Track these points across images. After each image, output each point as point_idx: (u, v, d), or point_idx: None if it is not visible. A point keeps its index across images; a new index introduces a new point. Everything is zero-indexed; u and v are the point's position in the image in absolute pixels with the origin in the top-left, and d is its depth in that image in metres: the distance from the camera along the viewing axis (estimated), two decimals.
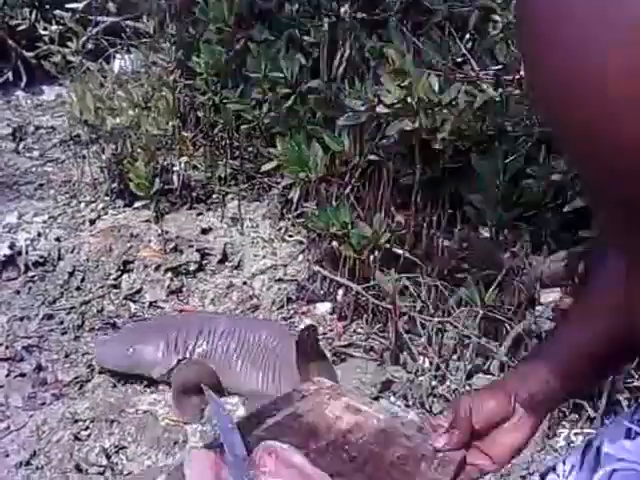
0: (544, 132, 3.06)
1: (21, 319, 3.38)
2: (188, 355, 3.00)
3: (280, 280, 3.65)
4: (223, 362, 3.00)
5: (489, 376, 2.96)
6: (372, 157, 3.48)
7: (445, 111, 2.84)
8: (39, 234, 3.92)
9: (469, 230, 3.30)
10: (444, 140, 2.94)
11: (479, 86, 2.83)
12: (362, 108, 3.20)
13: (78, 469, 2.57)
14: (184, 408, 2.80)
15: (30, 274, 3.66)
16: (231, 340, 3.03)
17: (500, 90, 2.71)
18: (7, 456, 2.66)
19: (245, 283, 3.65)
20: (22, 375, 3.06)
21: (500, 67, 2.69)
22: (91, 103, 4.13)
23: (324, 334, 3.33)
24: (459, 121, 2.86)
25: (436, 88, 2.82)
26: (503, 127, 3.12)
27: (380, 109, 2.93)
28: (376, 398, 2.96)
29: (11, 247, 3.74)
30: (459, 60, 2.90)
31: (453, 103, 2.83)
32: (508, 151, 3.17)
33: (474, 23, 2.95)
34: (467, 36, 2.79)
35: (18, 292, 3.56)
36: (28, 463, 2.62)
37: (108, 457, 2.60)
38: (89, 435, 2.73)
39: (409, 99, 2.81)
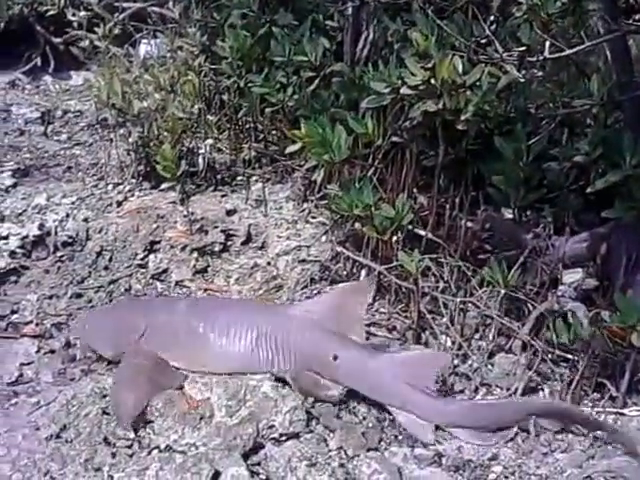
0: (567, 114, 3.05)
1: (50, 297, 3.40)
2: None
3: (304, 261, 3.64)
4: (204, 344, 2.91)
5: (511, 355, 2.95)
6: (395, 139, 3.47)
7: (469, 92, 2.82)
8: (67, 215, 3.93)
9: (492, 211, 3.28)
10: (468, 121, 2.91)
11: (503, 68, 2.80)
12: (386, 90, 3.19)
13: (106, 442, 2.58)
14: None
15: (59, 254, 3.68)
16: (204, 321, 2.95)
17: (524, 72, 2.68)
18: (37, 429, 2.67)
19: (269, 263, 3.64)
20: (52, 352, 3.08)
21: (524, 49, 2.65)
22: (118, 87, 4.14)
23: None
24: (482, 102, 2.83)
25: (460, 70, 2.80)
26: (526, 109, 3.10)
27: (404, 91, 2.91)
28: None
29: (40, 228, 3.76)
30: (483, 42, 2.87)
31: (477, 84, 2.81)
32: (531, 133, 3.15)
33: (498, 5, 2.92)
34: (491, 18, 2.76)
35: (47, 271, 3.58)
36: (58, 436, 2.63)
37: (135, 431, 2.61)
38: None
39: (433, 81, 2.79)
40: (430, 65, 2.80)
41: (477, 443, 2.62)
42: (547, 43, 2.47)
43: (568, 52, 2.48)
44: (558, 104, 2.99)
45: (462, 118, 2.87)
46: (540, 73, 2.82)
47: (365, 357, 2.81)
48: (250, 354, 2.87)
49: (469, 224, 3.25)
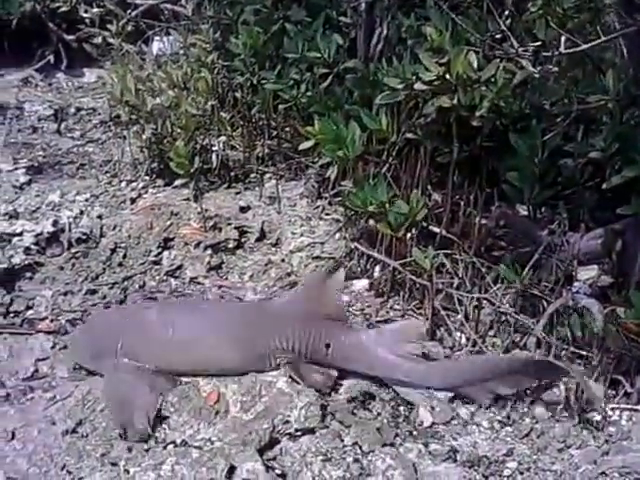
0: (582, 110, 3.05)
1: (65, 294, 3.42)
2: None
3: (318, 257, 3.66)
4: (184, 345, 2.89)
5: (526, 352, 2.96)
6: (409, 136, 3.48)
7: (484, 88, 2.83)
8: (81, 212, 3.97)
9: (506, 208, 3.29)
10: (482, 117, 2.92)
11: (518, 63, 2.81)
12: (400, 86, 3.20)
13: (122, 437, 2.61)
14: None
15: (73, 250, 3.70)
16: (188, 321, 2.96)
17: (539, 67, 2.69)
18: (53, 424, 2.69)
19: (283, 260, 3.67)
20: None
21: (539, 44, 2.66)
22: (132, 84, 4.16)
23: (361, 310, 3.34)
24: (497, 98, 2.84)
25: (475, 65, 2.81)
26: (541, 105, 3.11)
27: (419, 86, 2.92)
28: None
29: (54, 224, 3.79)
30: (498, 37, 2.88)
31: (492, 80, 2.82)
32: (545, 129, 3.16)
33: (512, 0, 2.93)
34: (506, 12, 2.77)
35: (62, 268, 3.61)
36: (74, 431, 2.66)
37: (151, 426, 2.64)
38: None
39: (448, 76, 2.80)
40: (445, 60, 2.81)
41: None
42: (563, 38, 2.47)
43: (584, 47, 2.49)
44: (573, 100, 2.99)
45: (477, 114, 2.88)
46: (555, 69, 2.81)
47: (356, 337, 2.89)
48: (240, 354, 2.87)
49: (483, 221, 3.25)
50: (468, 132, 3.34)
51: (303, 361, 2.86)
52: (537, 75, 2.72)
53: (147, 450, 2.54)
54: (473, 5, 3.13)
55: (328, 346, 2.87)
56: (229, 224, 3.84)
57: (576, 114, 3.06)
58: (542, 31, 2.70)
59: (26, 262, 3.57)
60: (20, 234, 3.71)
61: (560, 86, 3.03)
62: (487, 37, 2.80)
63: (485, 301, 3.10)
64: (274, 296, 3.41)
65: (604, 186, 2.93)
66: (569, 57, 2.77)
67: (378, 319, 3.27)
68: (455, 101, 2.87)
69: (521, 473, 2.51)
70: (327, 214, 3.96)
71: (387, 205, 3.18)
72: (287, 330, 2.88)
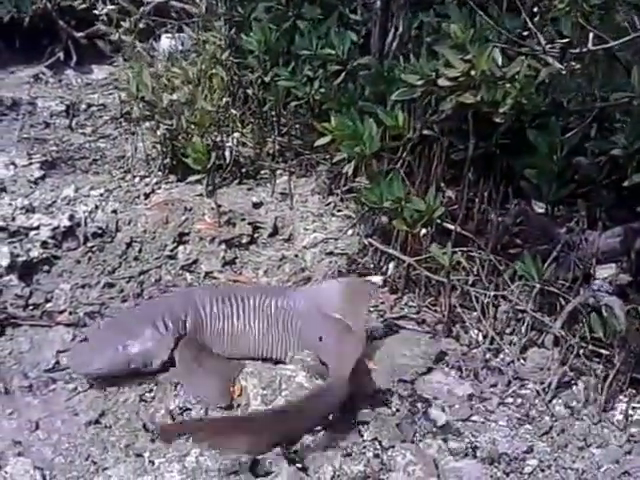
0: (603, 108, 3.03)
1: (83, 287, 3.39)
2: (181, 333, 2.90)
3: (331, 253, 3.63)
4: (214, 330, 2.95)
5: (543, 350, 2.93)
6: (425, 132, 3.45)
7: (508, 85, 2.80)
8: (96, 207, 3.93)
9: (524, 205, 3.27)
10: (504, 114, 2.89)
11: (542, 60, 2.78)
12: (419, 83, 3.17)
13: (146, 429, 2.58)
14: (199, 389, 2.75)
15: (89, 245, 3.67)
16: (217, 308, 2.97)
17: (565, 64, 2.65)
18: (76, 415, 2.67)
19: (297, 256, 3.64)
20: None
21: (566, 41, 2.62)
22: (148, 80, 4.12)
23: (375, 306, 3.31)
24: (520, 95, 2.81)
25: (499, 62, 2.79)
26: (561, 102, 3.08)
27: (442, 82, 2.89)
28: (430, 369, 2.94)
29: (70, 219, 3.75)
30: (522, 33, 2.85)
31: (516, 77, 2.79)
32: (565, 127, 3.13)
33: None
34: (535, 9, 2.73)
35: (79, 261, 3.57)
36: (97, 422, 2.63)
37: (173, 418, 2.61)
38: (154, 397, 2.74)
39: (472, 72, 2.77)
40: (469, 57, 2.78)
41: None
42: (590, 35, 2.44)
43: (612, 44, 2.46)
44: (596, 97, 2.97)
45: (500, 111, 2.85)
46: (578, 66, 2.78)
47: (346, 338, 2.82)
48: (260, 338, 2.94)
49: (500, 218, 3.22)
50: (484, 129, 3.31)
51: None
52: (564, 72, 2.68)
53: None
54: (493, 2, 3.09)
55: (321, 339, 2.85)
56: (243, 220, 3.81)
57: (596, 112, 3.03)
58: (568, 28, 2.66)
59: (43, 256, 3.53)
60: (37, 228, 3.67)
61: (582, 83, 3.00)
62: (513, 34, 2.76)
63: (502, 299, 3.07)
64: None
65: (625, 184, 2.90)
66: (593, 54, 2.73)
67: (392, 315, 3.24)
68: (479, 98, 2.83)
69: (542, 470, 2.49)
70: (339, 210, 3.94)
71: (403, 202, 3.15)
72: (298, 320, 2.93)
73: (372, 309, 3.28)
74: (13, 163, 4.38)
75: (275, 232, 3.82)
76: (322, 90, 3.98)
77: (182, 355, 2.84)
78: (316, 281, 3.41)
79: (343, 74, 3.92)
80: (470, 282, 3.14)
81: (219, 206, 3.81)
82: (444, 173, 3.44)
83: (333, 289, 3.04)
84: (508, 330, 3.04)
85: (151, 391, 2.77)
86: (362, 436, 2.58)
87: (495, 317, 3.05)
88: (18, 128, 4.96)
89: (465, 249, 3.19)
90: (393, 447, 2.53)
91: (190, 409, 2.64)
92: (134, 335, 2.85)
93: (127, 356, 2.81)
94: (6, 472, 2.37)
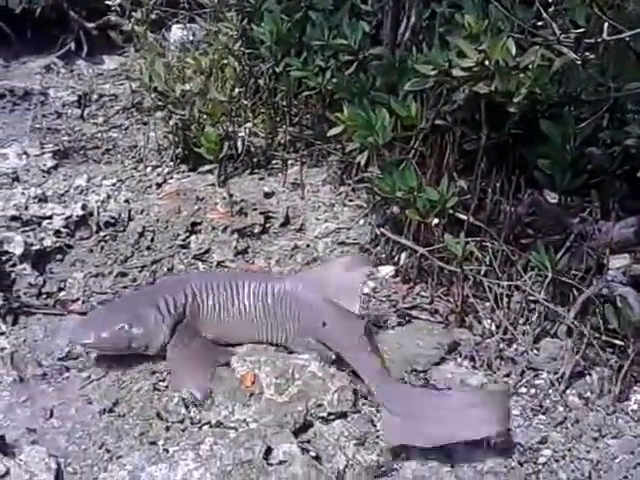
0: (616, 98, 2.99)
1: (96, 276, 3.37)
2: (180, 318, 2.89)
3: (343, 243, 3.61)
4: (214, 316, 2.93)
5: (556, 340, 2.90)
6: (438, 122, 3.41)
7: (521, 75, 2.76)
8: (109, 196, 3.91)
9: (537, 195, 3.23)
10: (518, 104, 2.86)
11: (555, 50, 2.74)
12: (432, 73, 3.13)
13: (159, 417, 2.56)
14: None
15: (102, 234, 3.65)
16: (218, 294, 2.95)
17: (579, 54, 2.62)
18: (90, 403, 2.66)
19: (309, 245, 3.61)
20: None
21: (581, 31, 2.58)
22: (161, 70, 4.10)
23: (387, 296, 3.28)
24: (535, 85, 2.77)
25: (513, 52, 2.75)
26: (575, 92, 3.05)
27: (457, 72, 2.86)
28: (443, 359, 2.91)
29: (83, 208, 3.73)
30: (536, 24, 2.81)
31: (530, 67, 2.75)
32: (578, 117, 3.10)
33: None
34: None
35: (91, 251, 3.55)
36: (111, 410, 2.62)
37: (186, 407, 2.58)
38: (167, 386, 2.72)
39: (487, 62, 2.74)
40: (483, 47, 2.75)
41: None
42: (605, 25, 2.40)
43: (627, 34, 2.41)
44: (609, 87, 2.93)
45: (514, 101, 2.81)
46: (592, 56, 2.74)
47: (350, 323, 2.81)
48: (257, 324, 2.92)
49: (513, 208, 3.19)
50: (497, 119, 3.28)
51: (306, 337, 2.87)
52: (578, 62, 2.64)
53: (184, 430, 2.51)
54: None
55: (324, 325, 2.82)
56: (254, 209, 3.79)
57: (609, 103, 2.99)
58: (582, 18, 2.62)
59: (56, 245, 3.51)
60: (50, 217, 3.65)
61: (595, 73, 2.97)
62: (527, 24, 2.72)
63: (515, 289, 3.04)
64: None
65: (639, 174, 2.87)
66: (606, 44, 2.69)
67: (405, 305, 3.21)
68: (493, 88, 2.80)
69: (556, 461, 2.47)
70: (350, 200, 3.92)
71: (416, 192, 3.12)
72: (294, 304, 2.91)
73: (384, 299, 3.26)
74: (26, 153, 4.37)
75: (287, 222, 3.79)
76: (334, 80, 3.95)
77: (173, 344, 2.84)
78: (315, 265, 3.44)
79: (355, 64, 3.88)
80: (483, 272, 3.10)
81: (231, 196, 3.79)
82: (456, 163, 3.40)
83: (328, 271, 3.05)
84: (521, 320, 3.00)
85: (164, 380, 2.75)
86: (375, 426, 2.56)
87: (508, 307, 3.01)
88: (30, 118, 4.94)
89: (478, 239, 3.15)
90: None
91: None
92: (136, 316, 2.85)
93: (128, 335, 2.81)
94: (21, 460, 2.35)
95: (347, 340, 2.76)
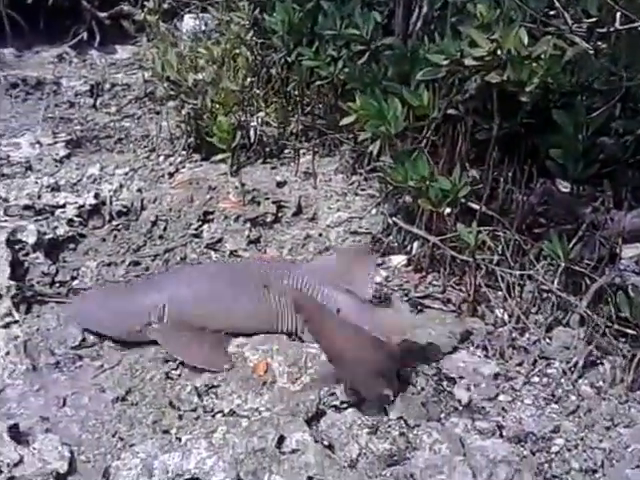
0: (628, 87, 2.96)
1: (109, 265, 3.36)
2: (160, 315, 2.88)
3: (355, 232, 3.59)
4: (222, 306, 2.92)
5: (569, 329, 2.88)
6: (450, 111, 3.39)
7: (534, 64, 2.74)
8: (121, 185, 3.91)
9: (549, 184, 3.21)
10: (530, 93, 2.83)
11: (568, 39, 2.71)
12: (444, 62, 3.11)
13: (172, 406, 2.56)
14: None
15: (115, 223, 3.65)
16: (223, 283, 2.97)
17: (591, 44, 2.59)
18: (103, 392, 2.66)
19: (321, 235, 3.60)
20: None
21: (593, 20, 2.56)
22: (173, 60, 4.09)
23: (400, 285, 3.27)
24: (547, 75, 2.75)
25: (525, 41, 2.73)
26: (587, 82, 3.02)
27: (468, 62, 2.84)
28: (455, 348, 2.90)
29: (96, 197, 3.73)
30: (548, 13, 2.79)
31: (542, 56, 2.73)
32: (590, 106, 3.07)
33: None
34: None
35: (104, 240, 3.55)
36: (124, 399, 2.62)
37: (199, 396, 2.58)
38: (180, 375, 2.71)
39: (499, 52, 2.71)
40: (495, 37, 2.73)
41: None
42: (617, 14, 2.38)
43: (639, 24, 2.39)
44: (621, 77, 2.91)
45: (526, 90, 2.79)
46: (604, 46, 2.72)
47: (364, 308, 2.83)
48: (267, 312, 2.89)
49: (525, 197, 3.17)
50: (509, 108, 3.25)
51: None
52: (591, 52, 2.62)
53: (197, 418, 2.50)
54: None
55: (338, 311, 2.81)
56: (267, 198, 3.78)
57: (621, 92, 2.97)
58: (594, 7, 2.60)
59: (69, 234, 3.51)
60: (63, 206, 3.66)
61: (607, 63, 2.94)
62: (539, 14, 2.70)
63: (527, 278, 3.02)
64: None
65: None
66: (619, 34, 2.66)
67: (417, 294, 3.20)
68: (505, 77, 2.78)
69: (569, 450, 2.45)
70: (362, 190, 3.90)
71: (427, 181, 3.11)
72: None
73: (396, 288, 3.25)
74: (38, 142, 4.38)
75: (299, 211, 3.78)
76: (346, 70, 3.94)
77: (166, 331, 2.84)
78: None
79: (367, 54, 3.86)
80: (495, 261, 3.09)
81: (243, 185, 3.78)
82: (468, 153, 3.38)
83: (336, 260, 3.09)
84: (534, 309, 2.98)
85: (177, 368, 2.74)
86: (387, 415, 2.55)
87: (521, 296, 3.00)
88: (43, 107, 4.95)
89: (490, 228, 3.13)
90: (419, 426, 2.50)
91: (216, 386, 2.61)
92: (135, 305, 2.89)
93: (125, 324, 2.85)
94: (34, 448, 2.35)
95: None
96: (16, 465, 2.27)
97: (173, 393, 2.61)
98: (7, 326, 2.94)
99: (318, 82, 4.18)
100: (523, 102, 3.06)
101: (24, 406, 2.59)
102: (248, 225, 3.61)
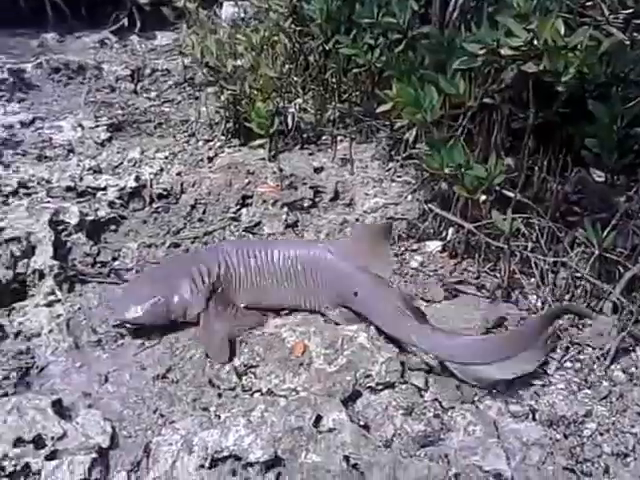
0: None
1: (149, 246, 3.41)
2: (215, 286, 2.93)
3: (391, 218, 3.61)
4: (247, 282, 2.96)
5: (602, 316, 2.88)
6: (486, 100, 3.38)
7: (570, 55, 2.72)
8: (161, 169, 3.96)
9: (583, 173, 3.20)
10: (566, 83, 2.82)
11: (604, 30, 2.70)
12: (481, 52, 3.10)
13: (211, 384, 2.61)
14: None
15: (155, 205, 3.69)
16: (251, 260, 2.98)
17: (628, 35, 2.58)
18: (144, 369, 2.71)
19: (357, 220, 3.62)
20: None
21: (630, 11, 2.54)
22: (213, 46, 4.12)
23: (435, 271, 3.29)
24: (583, 65, 2.73)
25: (562, 31, 2.71)
26: (623, 73, 3.00)
27: (505, 51, 2.83)
28: (486, 332, 2.91)
29: (137, 180, 3.77)
30: (585, 4, 2.77)
31: (578, 47, 2.71)
32: (626, 97, 3.05)
33: None
34: None
35: (145, 222, 3.60)
36: (164, 377, 2.67)
37: (238, 375, 2.62)
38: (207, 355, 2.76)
39: (535, 42, 2.71)
40: (532, 27, 2.72)
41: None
42: None
43: None
44: None
45: (563, 80, 2.78)
46: None
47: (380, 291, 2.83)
48: (293, 290, 2.94)
49: (560, 186, 3.16)
50: (544, 98, 3.24)
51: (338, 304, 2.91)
52: (627, 43, 2.60)
53: (235, 397, 2.54)
54: None
55: (356, 294, 2.84)
56: (304, 184, 3.81)
57: None
58: None
59: (111, 215, 3.56)
60: (104, 188, 3.71)
61: None
62: (576, 4, 2.68)
63: (561, 265, 3.02)
64: None
65: None
66: None
67: (451, 280, 3.21)
68: (541, 67, 2.77)
69: (601, 434, 2.45)
70: (398, 176, 3.91)
71: (463, 168, 3.11)
72: (327, 273, 2.92)
73: (431, 273, 3.26)
74: (80, 125, 4.43)
75: (336, 197, 3.80)
76: (383, 58, 3.95)
77: (206, 312, 2.88)
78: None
79: (404, 42, 3.86)
80: (529, 248, 3.09)
81: (281, 170, 3.81)
82: (504, 141, 3.37)
83: (355, 240, 3.08)
84: (567, 296, 2.98)
85: None
86: (422, 397, 2.57)
87: (554, 283, 3.00)
88: (85, 91, 5.02)
89: (525, 216, 3.13)
90: (453, 408, 2.52)
91: (255, 366, 2.64)
92: (172, 287, 2.89)
93: (166, 307, 2.86)
94: (77, 422, 2.40)
95: (381, 308, 2.77)
96: (60, 439, 2.32)
97: (212, 372, 2.65)
98: (50, 305, 3.00)
99: (355, 70, 4.19)
100: (559, 92, 3.05)
101: (67, 382, 2.65)
102: (285, 209, 3.63)
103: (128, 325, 2.89)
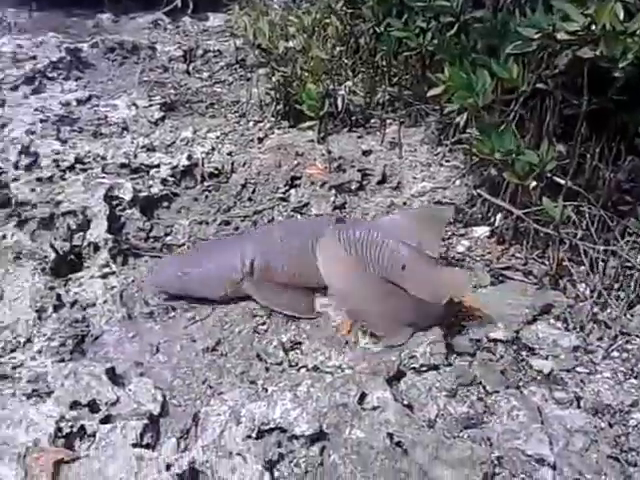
0: None
1: (200, 223, 3.46)
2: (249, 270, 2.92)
3: (439, 202, 3.60)
4: (295, 260, 2.94)
5: None
6: (539, 86, 3.36)
7: (629, 40, 2.69)
8: (213, 148, 3.99)
9: (637, 162, 3.16)
10: (624, 69, 2.78)
11: None
12: (536, 36, 3.07)
13: (259, 358, 2.64)
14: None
15: (206, 184, 3.73)
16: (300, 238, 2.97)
17: None
18: (194, 341, 2.75)
19: (405, 203, 3.62)
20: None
21: None
22: (265, 28, 4.14)
23: (482, 256, 3.27)
24: None
25: (621, 16, 2.68)
26: None
27: (561, 36, 2.80)
28: (535, 319, 2.89)
29: (189, 158, 3.81)
30: None
31: (637, 32, 2.67)
32: None
33: None
34: None
35: (196, 199, 3.64)
36: (214, 349, 2.70)
37: (285, 350, 2.66)
38: (267, 330, 2.79)
39: (593, 27, 2.67)
40: (590, 11, 2.68)
41: None
42: None
43: None
44: None
45: (620, 66, 2.74)
46: None
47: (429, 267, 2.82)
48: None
49: (612, 174, 3.13)
50: (599, 84, 3.20)
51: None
52: None
53: (282, 372, 2.57)
54: None
55: (404, 268, 2.83)
56: (352, 166, 3.82)
57: None
58: None
59: (163, 192, 3.62)
60: (157, 166, 3.76)
61: None
62: None
63: (611, 254, 2.99)
64: None
65: None
66: None
67: (499, 266, 3.19)
68: (598, 52, 2.73)
69: None
70: (447, 161, 3.90)
71: (514, 154, 3.09)
72: (377, 247, 2.90)
73: (478, 258, 3.25)
74: (134, 104, 4.49)
75: (384, 180, 3.80)
76: (434, 41, 3.92)
77: (259, 284, 2.90)
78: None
79: (456, 26, 3.83)
80: (579, 236, 3.06)
81: (330, 152, 3.82)
82: (556, 127, 3.34)
83: (407, 219, 3.06)
84: (616, 285, 2.95)
85: (264, 324, 2.81)
86: (467, 380, 2.57)
87: (604, 272, 2.96)
88: (138, 71, 5.07)
89: (575, 203, 3.10)
90: (497, 392, 2.51)
91: (301, 342, 2.67)
92: (214, 262, 2.93)
93: (202, 280, 2.90)
94: (130, 390, 2.45)
95: (427, 285, 2.75)
96: (113, 404, 2.38)
97: (260, 346, 2.68)
98: (105, 276, 3.06)
99: (406, 53, 4.17)
100: (614, 78, 3.01)
101: (120, 351, 2.70)
102: (333, 191, 3.64)
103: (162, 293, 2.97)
